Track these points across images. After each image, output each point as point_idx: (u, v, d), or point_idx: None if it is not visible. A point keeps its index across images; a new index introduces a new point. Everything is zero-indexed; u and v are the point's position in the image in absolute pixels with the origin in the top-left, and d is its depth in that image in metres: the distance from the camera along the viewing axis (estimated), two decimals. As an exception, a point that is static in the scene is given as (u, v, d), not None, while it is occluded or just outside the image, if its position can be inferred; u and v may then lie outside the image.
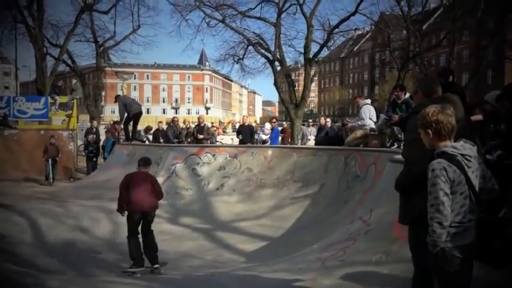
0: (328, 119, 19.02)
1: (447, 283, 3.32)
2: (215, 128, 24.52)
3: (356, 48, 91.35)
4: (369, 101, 12.33)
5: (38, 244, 9.55)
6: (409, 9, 32.69)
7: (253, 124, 29.05)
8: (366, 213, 7.40)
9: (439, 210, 3.14)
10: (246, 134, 16.61)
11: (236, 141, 18.26)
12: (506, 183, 5.19)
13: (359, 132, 11.43)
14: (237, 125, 27.20)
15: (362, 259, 5.98)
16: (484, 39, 40.89)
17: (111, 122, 24.15)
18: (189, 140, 17.07)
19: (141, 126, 20.49)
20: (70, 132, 20.09)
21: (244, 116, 19.72)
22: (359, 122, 11.54)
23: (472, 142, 3.38)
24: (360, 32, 53.55)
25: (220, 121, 62.36)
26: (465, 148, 3.27)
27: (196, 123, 17.76)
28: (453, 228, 3.20)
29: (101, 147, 19.69)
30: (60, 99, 20.84)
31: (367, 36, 76.10)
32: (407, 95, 10.42)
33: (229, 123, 59.61)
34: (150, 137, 20.22)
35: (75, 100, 21.17)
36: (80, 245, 9.57)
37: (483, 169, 3.38)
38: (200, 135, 16.73)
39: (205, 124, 17.91)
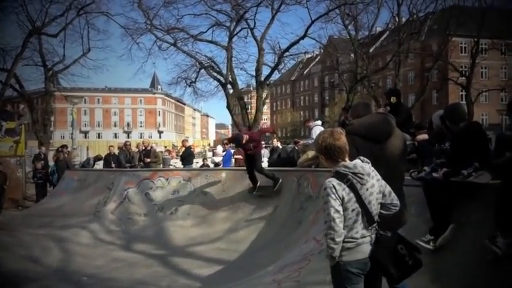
0: (277, 141, 19.28)
1: None
2: (169, 152, 24.37)
3: (306, 71, 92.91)
4: (319, 122, 12.60)
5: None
6: (356, 33, 33.80)
7: (207, 147, 28.93)
8: (319, 233, 7.50)
9: (331, 226, 3.32)
10: (186, 155, 17.38)
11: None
12: (451, 200, 5.42)
13: (311, 153, 11.60)
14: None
15: (316, 279, 6.05)
16: (428, 62, 42.55)
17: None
18: (141, 164, 16.93)
19: (91, 153, 20.15)
20: (18, 159, 19.54)
21: (183, 140, 19.77)
22: (309, 141, 11.75)
23: (367, 160, 3.56)
24: (309, 56, 54.79)
25: (173, 145, 61.80)
26: (356, 166, 3.45)
27: (142, 148, 17.65)
28: (347, 243, 3.38)
29: (50, 173, 19.16)
30: (7, 124, 20.24)
31: (317, 59, 77.74)
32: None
33: (182, 146, 59.17)
34: (100, 165, 19.87)
35: (23, 126, 20.60)
36: (31, 276, 9.24)
37: (381, 185, 3.54)
38: (147, 159, 16.65)
39: (151, 147, 17.82)
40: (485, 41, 39.97)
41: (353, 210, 3.37)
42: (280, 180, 11.31)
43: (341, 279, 3.44)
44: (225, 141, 11.76)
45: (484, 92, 44.36)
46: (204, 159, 23.88)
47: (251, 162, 11.56)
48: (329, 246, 3.34)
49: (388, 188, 3.58)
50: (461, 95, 44.41)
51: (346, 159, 3.51)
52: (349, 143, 3.78)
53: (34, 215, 14.81)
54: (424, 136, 8.13)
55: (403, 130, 5.08)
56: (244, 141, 11.33)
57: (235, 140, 12.05)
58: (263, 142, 22.82)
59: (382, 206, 3.55)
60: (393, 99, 8.78)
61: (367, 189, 3.42)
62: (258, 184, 11.53)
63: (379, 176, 3.54)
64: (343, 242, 3.35)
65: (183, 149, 18.65)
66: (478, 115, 45.94)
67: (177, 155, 28.09)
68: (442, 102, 46.25)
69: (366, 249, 3.43)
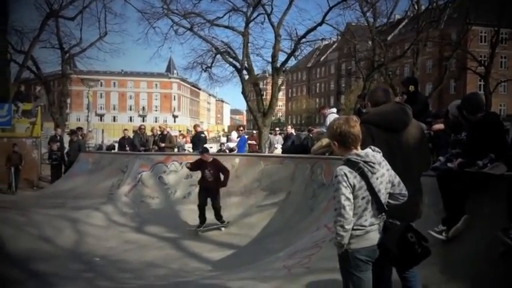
0: (292, 128, 19.21)
1: (350, 282, 3.49)
2: (183, 137, 24.43)
3: (323, 58, 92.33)
4: (334, 110, 12.50)
5: (-2, 254, 9.30)
6: (375, 21, 33.33)
7: (221, 132, 28.84)
8: (331, 220, 7.46)
9: (341, 213, 3.30)
10: (195, 140, 17.25)
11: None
12: (465, 191, 5.35)
13: (325, 141, 11.51)
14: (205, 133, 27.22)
15: (327, 266, 6.03)
16: (446, 51, 41.94)
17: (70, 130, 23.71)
18: (155, 148, 17.01)
19: (107, 136, 20.22)
20: (34, 140, 19.69)
21: (195, 125, 19.80)
22: (324, 129, 11.67)
23: (378, 149, 3.53)
24: (326, 42, 54.32)
25: (188, 129, 62.06)
26: (368, 155, 3.43)
27: (158, 132, 17.71)
28: (356, 231, 3.37)
29: (65, 155, 19.30)
30: (24, 106, 20.41)
31: (334, 46, 77.14)
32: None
33: (194, 131, 59.26)
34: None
35: (39, 107, 20.78)
36: (42, 255, 9.36)
37: (391, 175, 3.53)
38: (162, 144, 16.72)
39: (168, 132, 17.87)
40: (505, 30, 39.25)
41: (363, 198, 3.36)
42: (226, 222, 11.04)
43: (349, 267, 3.45)
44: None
45: (503, 82, 43.68)
46: (221, 144, 23.91)
47: (208, 196, 10.98)
48: (338, 233, 3.33)
49: (397, 178, 3.57)
50: (480, 84, 43.85)
51: (358, 147, 3.49)
52: (364, 132, 3.74)
53: (48, 195, 15.00)
54: (440, 126, 8.02)
55: (419, 119, 4.99)
56: (208, 155, 11.19)
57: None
58: (277, 129, 22.84)
59: (391, 195, 3.54)
60: (411, 88, 8.64)
61: (377, 178, 3.41)
62: (206, 223, 11.01)
63: (389, 166, 3.53)
64: (352, 229, 3.35)
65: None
66: (496, 105, 45.35)
67: (191, 141, 28.23)
68: (460, 92, 45.68)
69: (374, 237, 3.43)
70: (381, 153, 3.51)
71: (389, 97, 4.58)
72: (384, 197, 3.45)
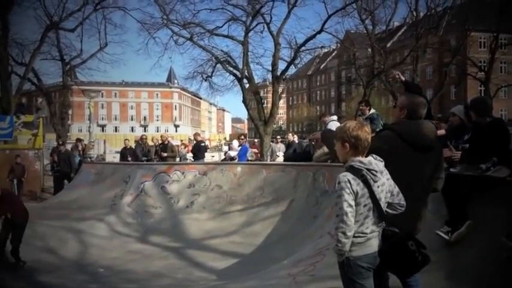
0: (293, 135, 19.21)
1: None
2: (184, 146, 24.44)
3: (322, 65, 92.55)
4: (335, 117, 12.51)
5: (3, 266, 9.31)
6: (374, 28, 33.50)
7: (223, 141, 28.89)
8: (334, 227, 7.48)
9: (343, 220, 3.26)
10: (195, 150, 17.42)
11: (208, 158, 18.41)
12: (468, 195, 5.35)
13: (327, 148, 11.55)
14: (207, 142, 27.29)
15: (331, 273, 6.01)
16: (446, 57, 42.07)
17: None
18: (157, 157, 17.04)
19: (108, 147, 20.21)
20: (36, 151, 19.72)
21: (195, 134, 19.83)
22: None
23: (380, 158, 3.49)
24: (326, 50, 54.51)
25: (189, 138, 62.10)
26: (371, 163, 3.41)
27: (159, 142, 17.75)
28: (357, 238, 3.35)
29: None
30: (26, 118, 20.47)
31: (333, 54, 77.45)
32: (372, 110, 10.70)
33: (194, 140, 59.10)
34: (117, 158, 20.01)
35: (41, 119, 20.83)
36: (47, 267, 9.37)
37: (391, 184, 3.51)
38: (164, 154, 16.74)
39: (169, 142, 17.91)
40: (504, 35, 39.36)
41: (365, 205, 3.35)
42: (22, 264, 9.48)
43: (352, 274, 3.42)
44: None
45: (503, 87, 43.78)
46: (225, 153, 23.91)
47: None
48: (339, 240, 3.31)
49: (396, 188, 3.56)
50: (480, 90, 43.85)
51: (364, 155, 3.48)
52: (389, 139, 3.79)
53: (51, 207, 14.98)
54: (441, 132, 8.04)
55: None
56: None
57: None
58: (279, 137, 22.85)
59: (389, 205, 3.53)
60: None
61: (378, 187, 3.40)
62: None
63: (389, 175, 3.51)
64: (353, 236, 3.33)
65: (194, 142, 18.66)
66: (496, 110, 45.32)
67: (191, 150, 28.28)
68: (461, 98, 45.74)
69: (374, 244, 3.43)
70: (383, 162, 3.49)
71: (423, 112, 4.16)
72: (383, 205, 3.45)
